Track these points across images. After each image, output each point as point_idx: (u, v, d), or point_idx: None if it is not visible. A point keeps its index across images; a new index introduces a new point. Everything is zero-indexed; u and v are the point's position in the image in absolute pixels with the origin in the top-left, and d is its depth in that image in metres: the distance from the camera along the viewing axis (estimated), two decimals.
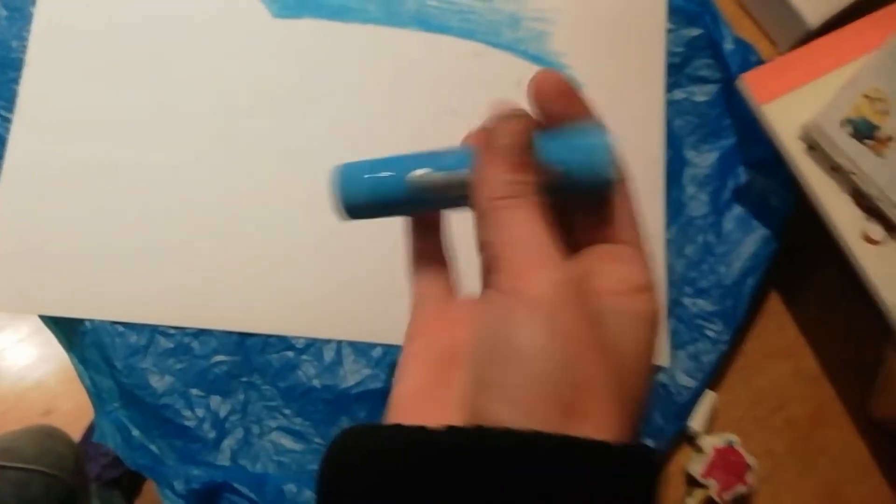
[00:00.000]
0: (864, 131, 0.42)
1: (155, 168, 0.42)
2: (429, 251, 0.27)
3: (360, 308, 0.42)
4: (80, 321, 0.40)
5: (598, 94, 0.48)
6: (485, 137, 0.23)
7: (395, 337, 0.41)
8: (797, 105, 0.42)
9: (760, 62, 0.46)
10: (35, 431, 0.40)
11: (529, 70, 0.48)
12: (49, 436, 0.40)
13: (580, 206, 0.25)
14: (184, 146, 0.43)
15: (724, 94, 0.48)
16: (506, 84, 0.47)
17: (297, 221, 0.42)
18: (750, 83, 0.43)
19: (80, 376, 0.40)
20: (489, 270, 0.21)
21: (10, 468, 0.37)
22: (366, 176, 0.24)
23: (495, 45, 0.47)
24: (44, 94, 0.43)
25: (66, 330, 0.40)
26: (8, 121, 0.42)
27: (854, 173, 0.41)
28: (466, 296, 0.26)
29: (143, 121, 0.43)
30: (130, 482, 0.43)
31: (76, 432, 0.41)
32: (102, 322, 0.39)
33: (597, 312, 0.21)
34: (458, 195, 0.24)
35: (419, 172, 0.24)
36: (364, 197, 0.24)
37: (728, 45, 0.46)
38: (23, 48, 0.43)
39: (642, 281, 0.23)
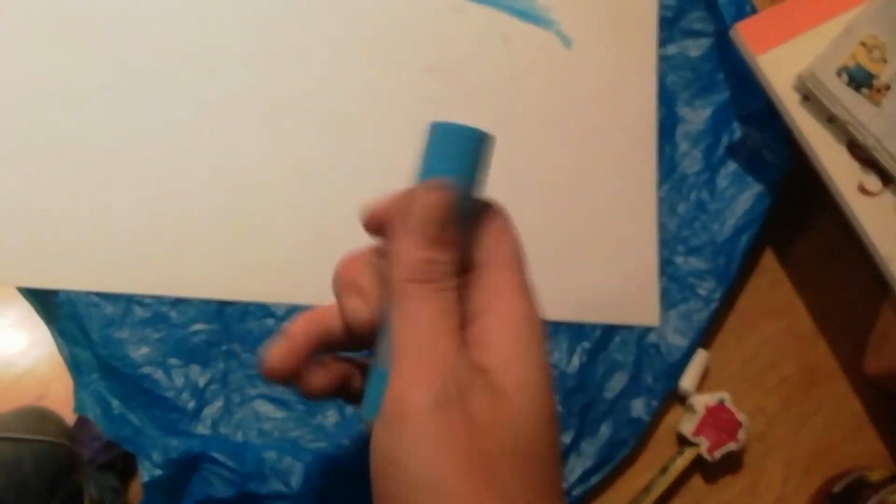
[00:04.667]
0: (860, 80, 0.40)
1: (128, 133, 0.41)
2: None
3: None
4: (55, 292, 0.39)
5: (588, 50, 0.47)
6: (403, 205, 0.22)
7: None
8: (792, 55, 0.41)
9: (755, 12, 0.44)
10: (26, 412, 0.38)
11: (515, 25, 0.46)
12: (41, 417, 0.38)
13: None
14: (155, 110, 0.41)
15: (718, 48, 0.46)
16: (489, 40, 0.45)
17: (274, 185, 0.41)
18: (744, 33, 0.41)
19: (58, 348, 0.39)
20: (390, 351, 0.21)
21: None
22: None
23: None
24: (9, 58, 0.41)
25: (43, 302, 0.39)
26: None
27: (850, 123, 0.40)
28: None
29: (114, 84, 0.41)
30: (124, 465, 0.42)
31: (69, 418, 0.40)
32: (77, 293, 0.38)
33: (493, 393, 0.20)
34: None
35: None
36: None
37: None
38: None
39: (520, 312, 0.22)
